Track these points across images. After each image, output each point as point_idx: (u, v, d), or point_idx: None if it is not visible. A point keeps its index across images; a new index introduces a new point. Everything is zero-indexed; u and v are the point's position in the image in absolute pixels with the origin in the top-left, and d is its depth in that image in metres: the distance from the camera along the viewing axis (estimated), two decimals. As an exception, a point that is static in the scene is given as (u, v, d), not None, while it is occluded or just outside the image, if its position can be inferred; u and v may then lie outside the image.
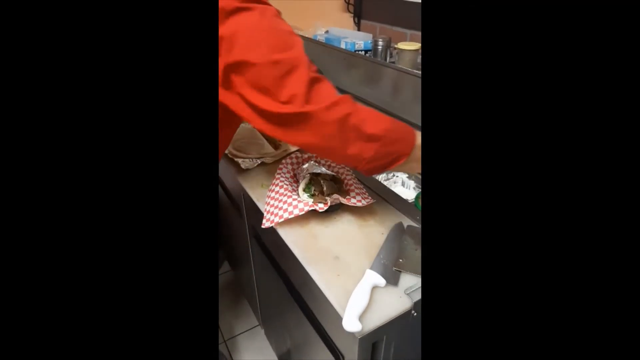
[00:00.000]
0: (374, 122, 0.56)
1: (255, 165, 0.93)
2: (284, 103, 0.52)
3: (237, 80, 0.52)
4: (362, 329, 0.53)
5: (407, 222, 0.74)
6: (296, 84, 0.52)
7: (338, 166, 0.83)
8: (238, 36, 0.51)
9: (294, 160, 0.87)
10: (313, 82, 0.53)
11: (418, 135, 0.60)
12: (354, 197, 0.73)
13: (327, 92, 0.54)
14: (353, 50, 1.27)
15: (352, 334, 0.55)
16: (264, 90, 0.52)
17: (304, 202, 0.72)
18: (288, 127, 0.54)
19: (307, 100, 0.52)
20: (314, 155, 0.87)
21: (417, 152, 0.60)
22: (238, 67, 0.51)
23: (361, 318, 0.54)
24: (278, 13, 0.58)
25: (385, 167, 0.60)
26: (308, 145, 0.57)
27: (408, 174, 0.96)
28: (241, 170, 0.92)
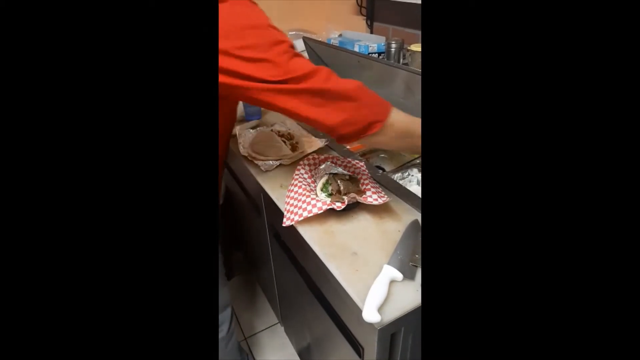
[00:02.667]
0: (346, 83, 0.61)
1: (274, 167, 0.96)
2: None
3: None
4: (381, 320, 0.56)
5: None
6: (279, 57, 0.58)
7: (354, 166, 0.86)
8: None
9: (311, 162, 0.90)
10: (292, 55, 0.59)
11: (395, 111, 0.64)
12: (370, 196, 0.76)
13: (302, 63, 0.60)
14: (366, 53, 1.30)
15: (371, 325, 0.57)
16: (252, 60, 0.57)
17: (322, 201, 0.75)
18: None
19: (286, 72, 0.57)
20: (331, 155, 0.90)
21: (394, 128, 0.64)
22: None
23: (380, 310, 0.57)
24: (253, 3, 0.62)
25: (359, 134, 0.63)
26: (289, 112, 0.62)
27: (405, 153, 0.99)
28: (260, 172, 0.96)
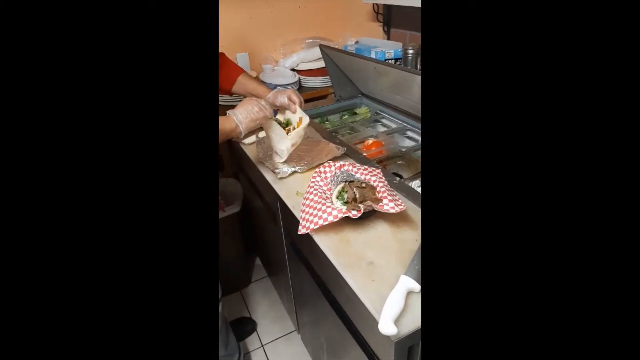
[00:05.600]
0: None
1: (288, 174, 0.96)
2: None
3: None
4: (398, 333, 0.54)
5: (441, 228, 0.74)
6: None
7: (371, 173, 0.85)
8: None
9: (327, 169, 0.89)
10: None
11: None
12: (387, 204, 0.74)
13: None
14: (383, 59, 1.29)
15: (388, 338, 0.56)
16: None
17: (337, 209, 0.74)
18: None
19: None
20: (346, 163, 0.90)
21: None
22: None
23: (397, 322, 0.55)
24: None
25: None
26: None
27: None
28: (276, 179, 0.96)
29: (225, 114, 0.90)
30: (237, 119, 0.88)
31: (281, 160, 0.97)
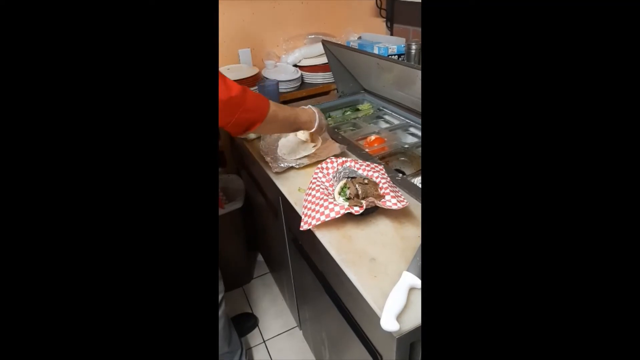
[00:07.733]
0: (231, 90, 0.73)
1: (285, 168, 0.96)
2: None
3: None
4: (400, 329, 0.54)
5: (443, 224, 0.74)
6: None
7: (373, 169, 0.85)
8: None
9: (329, 165, 0.89)
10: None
11: (272, 105, 0.81)
12: (389, 200, 0.74)
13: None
14: (386, 55, 1.28)
15: (390, 334, 0.56)
16: None
17: (339, 205, 0.74)
18: None
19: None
20: (349, 159, 0.89)
21: (271, 119, 0.81)
22: None
23: (399, 318, 0.55)
24: None
25: (247, 130, 0.80)
26: None
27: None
28: (278, 175, 0.96)
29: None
30: (316, 115, 0.93)
31: (298, 157, 0.99)
